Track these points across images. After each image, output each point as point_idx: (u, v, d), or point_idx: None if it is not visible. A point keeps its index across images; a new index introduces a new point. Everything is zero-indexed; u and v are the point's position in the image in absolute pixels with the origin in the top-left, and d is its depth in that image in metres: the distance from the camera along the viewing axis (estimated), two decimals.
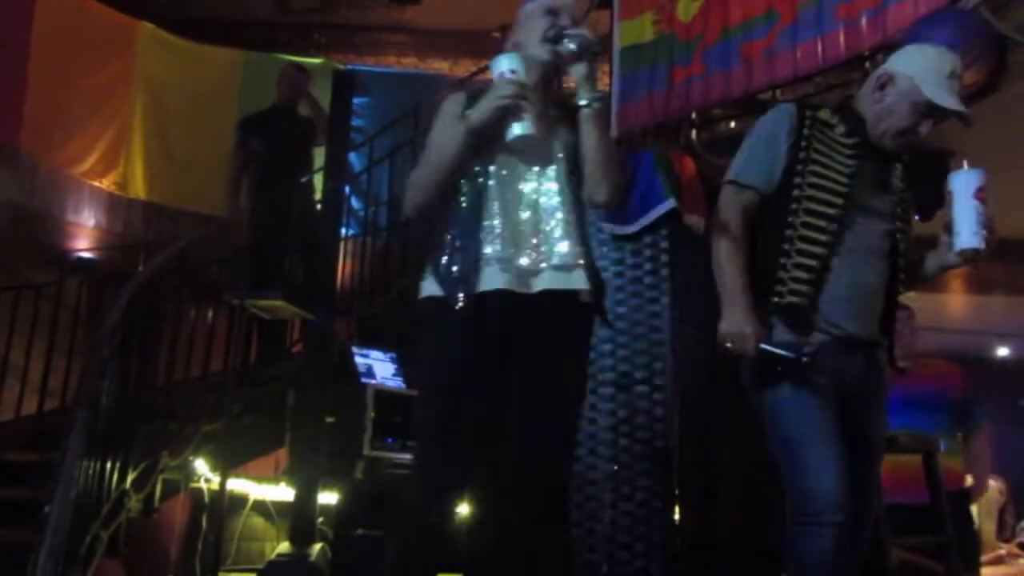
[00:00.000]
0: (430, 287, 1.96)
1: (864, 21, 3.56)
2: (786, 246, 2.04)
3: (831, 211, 2.05)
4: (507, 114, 1.85)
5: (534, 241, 1.92)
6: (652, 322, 3.58)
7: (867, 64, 3.46)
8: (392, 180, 5.49)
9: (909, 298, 4.81)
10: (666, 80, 4.24)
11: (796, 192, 2.06)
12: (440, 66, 7.30)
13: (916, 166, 2.37)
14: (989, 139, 3.41)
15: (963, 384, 3.49)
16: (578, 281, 1.94)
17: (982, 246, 2.01)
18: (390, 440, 3.72)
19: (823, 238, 2.04)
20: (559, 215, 1.95)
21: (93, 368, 3.41)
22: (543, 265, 1.92)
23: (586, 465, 3.56)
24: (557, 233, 1.94)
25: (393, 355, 4.18)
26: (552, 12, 2.01)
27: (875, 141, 2.14)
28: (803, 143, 2.07)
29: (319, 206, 4.87)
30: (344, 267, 5.11)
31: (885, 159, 2.18)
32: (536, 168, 1.97)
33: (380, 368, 4.11)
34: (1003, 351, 6.79)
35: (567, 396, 1.94)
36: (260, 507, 4.66)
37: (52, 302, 4.70)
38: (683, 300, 3.51)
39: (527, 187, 1.96)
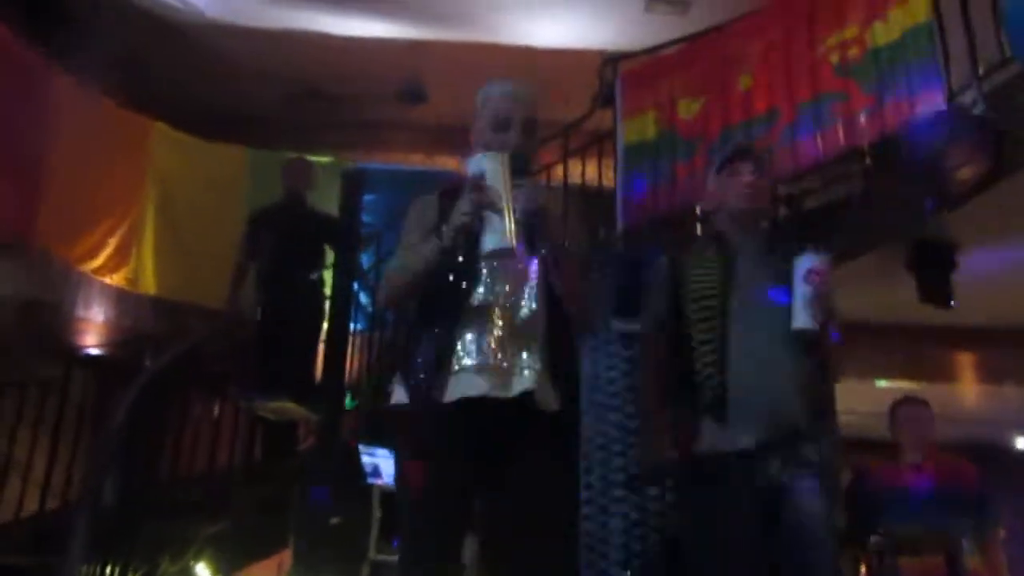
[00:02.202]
0: (400, 394, 1.92)
1: (863, 118, 3.64)
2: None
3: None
4: (479, 225, 1.78)
5: (513, 346, 1.87)
6: None
7: (867, 159, 3.52)
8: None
9: (920, 389, 4.79)
10: (670, 176, 4.32)
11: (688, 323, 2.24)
12: (448, 163, 7.45)
13: (923, 258, 2.42)
14: (991, 231, 3.46)
15: (979, 480, 3.41)
16: (549, 391, 1.88)
17: (811, 326, 2.10)
18: (397, 543, 3.63)
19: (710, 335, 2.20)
20: (538, 320, 1.91)
21: (96, 467, 3.37)
22: (525, 372, 1.86)
23: (598, 571, 3.46)
24: (535, 338, 1.89)
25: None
26: (499, 126, 1.98)
27: (741, 236, 2.28)
28: (678, 287, 2.27)
29: (328, 302, 4.89)
30: (352, 362, 5.11)
31: (760, 242, 2.32)
32: (515, 272, 1.92)
33: (387, 467, 4.04)
34: (1021, 442, 6.68)
35: (555, 507, 1.89)
36: None
37: (58, 397, 4.68)
38: None
39: (506, 290, 1.91)
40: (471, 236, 1.81)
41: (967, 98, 3.17)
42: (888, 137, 3.42)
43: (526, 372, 1.86)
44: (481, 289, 1.89)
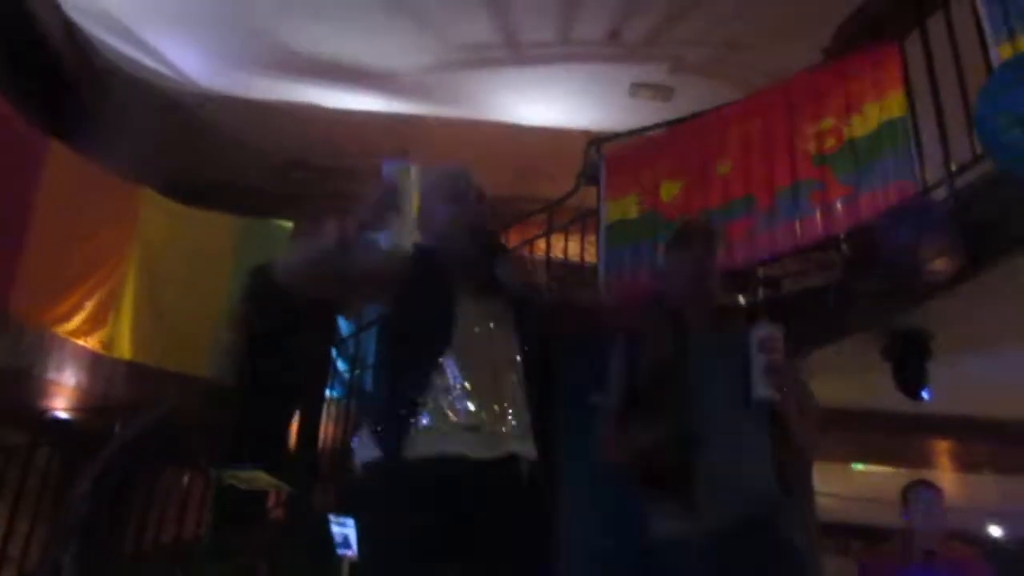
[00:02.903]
0: (367, 451, 1.83)
1: (839, 206, 3.73)
2: None
3: None
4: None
5: (494, 405, 1.83)
6: None
7: (843, 246, 3.59)
8: (379, 344, 5.51)
9: (895, 474, 4.77)
10: (651, 255, 4.37)
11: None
12: None
13: (898, 347, 2.43)
14: (973, 323, 3.51)
15: (987, 570, 3.30)
16: (529, 450, 1.85)
17: (767, 396, 2.09)
18: None
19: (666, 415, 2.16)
20: (514, 377, 1.88)
21: (58, 538, 3.28)
22: (503, 430, 1.82)
23: None
24: (515, 396, 1.86)
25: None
26: (453, 199, 1.99)
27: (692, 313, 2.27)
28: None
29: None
30: (326, 430, 5.04)
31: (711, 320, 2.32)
32: (491, 325, 1.91)
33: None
34: (996, 531, 6.66)
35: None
36: None
37: (21, 465, 4.56)
38: None
39: (484, 345, 1.89)
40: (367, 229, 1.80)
41: (940, 193, 3.26)
42: (863, 227, 3.50)
43: (504, 430, 1.82)
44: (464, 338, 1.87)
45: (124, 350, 6.01)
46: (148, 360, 6.03)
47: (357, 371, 5.56)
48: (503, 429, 1.82)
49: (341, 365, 5.79)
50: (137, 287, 6.14)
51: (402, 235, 1.81)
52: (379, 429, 1.83)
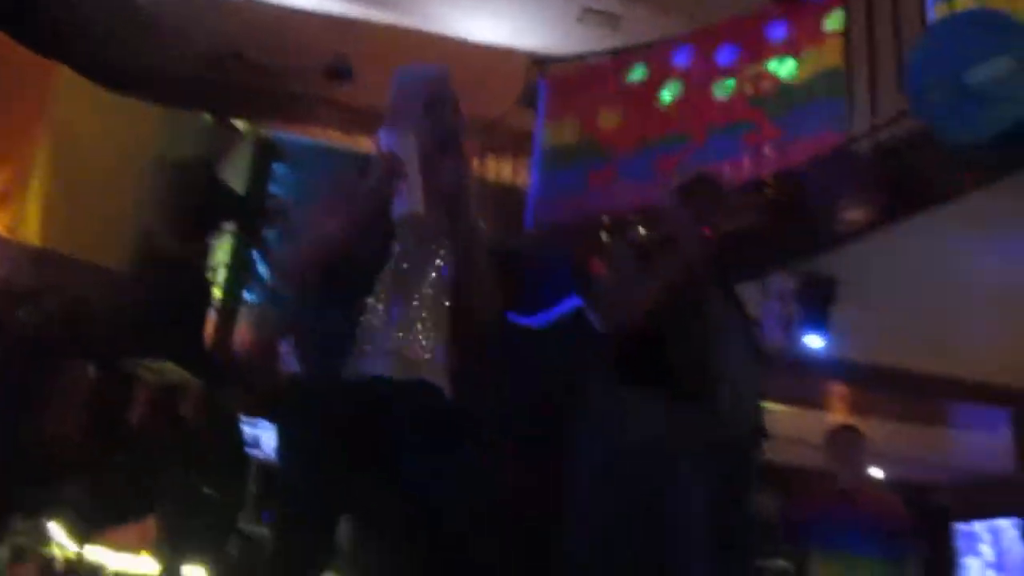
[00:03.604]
0: (293, 363, 1.90)
1: (768, 149, 3.81)
2: None
3: None
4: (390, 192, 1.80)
5: (419, 329, 1.86)
6: None
7: (767, 190, 3.68)
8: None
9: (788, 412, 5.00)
10: (583, 183, 4.41)
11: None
12: (367, 144, 7.35)
13: (807, 291, 2.57)
14: (879, 274, 3.67)
15: (902, 512, 3.53)
16: (442, 382, 1.89)
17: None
18: (270, 517, 3.57)
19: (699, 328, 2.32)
20: (442, 307, 1.90)
21: None
22: (426, 356, 1.85)
23: None
24: (437, 325, 1.89)
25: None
26: (430, 106, 1.96)
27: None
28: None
29: (225, 269, 4.76)
30: (242, 333, 4.99)
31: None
32: (425, 254, 1.92)
33: (268, 440, 3.99)
34: (878, 473, 7.09)
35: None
36: None
37: None
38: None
39: (417, 274, 1.90)
40: (383, 204, 1.80)
41: (864, 146, 3.36)
42: (789, 171, 3.58)
43: (427, 357, 1.85)
44: (390, 268, 1.87)
45: (32, 234, 5.77)
46: (58, 246, 5.80)
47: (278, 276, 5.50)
48: (425, 356, 1.85)
49: (262, 269, 5.71)
50: (48, 170, 5.86)
51: (412, 200, 1.79)
52: (309, 344, 1.87)
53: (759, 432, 2.35)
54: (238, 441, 3.86)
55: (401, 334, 1.84)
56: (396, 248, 1.87)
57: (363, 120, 7.32)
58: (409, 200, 1.79)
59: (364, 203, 1.82)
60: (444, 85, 2.02)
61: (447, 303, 1.92)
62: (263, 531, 3.53)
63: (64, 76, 5.94)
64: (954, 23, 2.88)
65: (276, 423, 1.99)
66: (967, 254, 3.64)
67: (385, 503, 1.85)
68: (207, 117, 5.39)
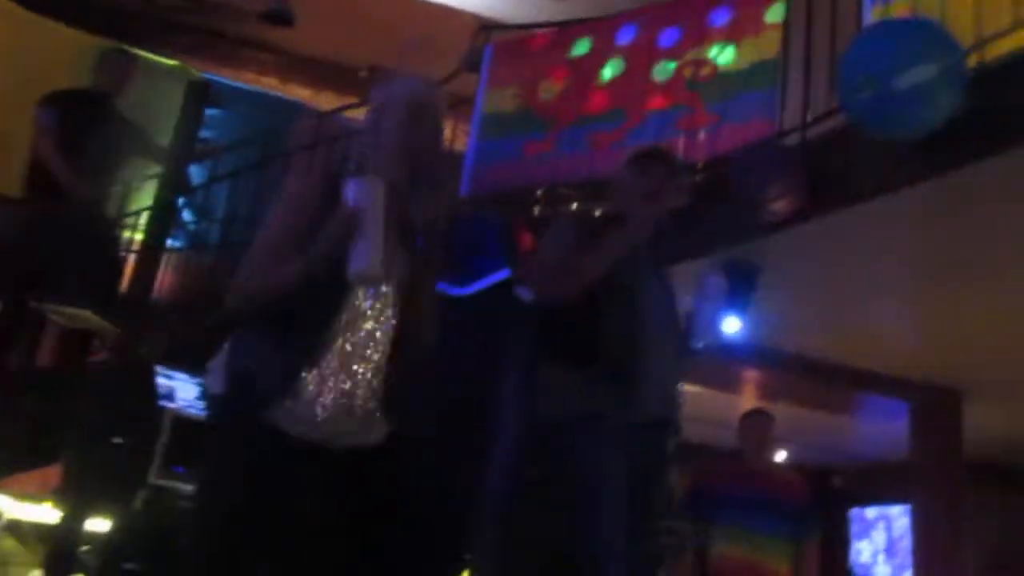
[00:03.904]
0: (217, 382, 1.80)
1: (702, 134, 3.87)
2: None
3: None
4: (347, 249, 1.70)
5: (360, 373, 1.79)
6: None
7: (697, 176, 3.75)
8: (231, 199, 5.34)
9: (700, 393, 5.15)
10: (519, 152, 4.41)
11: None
12: (301, 93, 7.19)
13: (729, 277, 2.62)
14: (791, 265, 3.79)
15: (804, 494, 3.67)
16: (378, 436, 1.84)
17: (713, 342, 2.43)
18: (181, 470, 3.53)
19: (630, 309, 2.31)
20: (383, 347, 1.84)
21: None
22: (371, 405, 1.80)
23: None
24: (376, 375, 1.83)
25: (201, 381, 3.99)
26: (415, 115, 1.87)
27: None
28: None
29: (149, 211, 4.62)
30: (163, 280, 4.88)
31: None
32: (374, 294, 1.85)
33: (184, 392, 3.92)
34: (781, 455, 7.38)
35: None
36: (16, 527, 4.24)
37: None
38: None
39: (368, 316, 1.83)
40: (338, 261, 1.70)
41: (794, 139, 3.45)
42: (720, 158, 3.65)
43: (377, 415, 1.80)
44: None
45: None
46: None
47: (204, 223, 5.38)
48: (360, 414, 1.79)
49: (187, 215, 5.57)
50: None
51: (370, 260, 1.69)
52: (238, 367, 1.79)
53: (676, 412, 2.38)
54: (152, 391, 3.78)
55: (336, 396, 1.76)
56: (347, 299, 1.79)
57: (299, 68, 7.17)
58: (368, 260, 1.69)
59: (318, 255, 1.72)
60: (430, 102, 1.93)
61: (389, 350, 1.85)
62: (173, 484, 3.49)
63: None
64: (887, 27, 2.97)
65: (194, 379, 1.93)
66: (876, 252, 3.79)
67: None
68: (136, 51, 5.16)
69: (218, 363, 1.83)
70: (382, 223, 1.71)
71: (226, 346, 1.84)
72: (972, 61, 2.76)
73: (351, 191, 1.72)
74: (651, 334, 2.31)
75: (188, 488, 3.47)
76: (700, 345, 2.41)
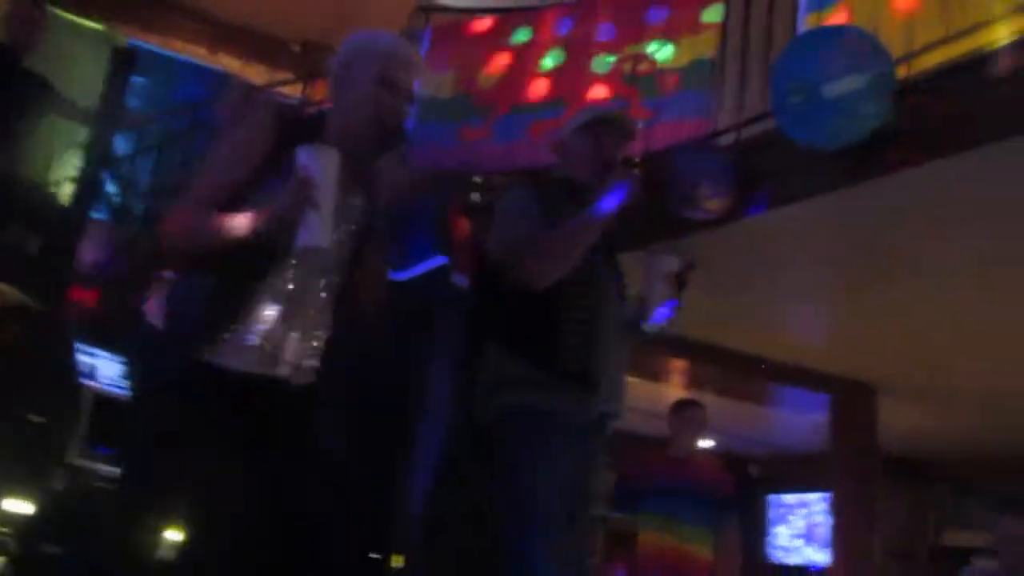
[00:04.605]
0: (155, 316, 1.85)
1: (638, 129, 3.93)
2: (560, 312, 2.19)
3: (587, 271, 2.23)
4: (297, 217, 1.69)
5: (300, 336, 1.80)
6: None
7: (635, 169, 3.80)
8: (156, 170, 5.19)
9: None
10: (456, 138, 4.40)
11: None
12: (231, 64, 7.00)
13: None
14: (720, 261, 3.89)
15: (727, 483, 3.81)
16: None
17: (662, 325, 2.35)
18: (103, 450, 3.44)
19: (586, 301, 2.22)
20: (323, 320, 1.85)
21: None
22: (305, 364, 1.82)
23: None
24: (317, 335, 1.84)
25: (124, 359, 3.89)
26: (385, 82, 1.82)
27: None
28: (548, 206, 2.25)
29: (72, 183, 4.45)
30: (89, 252, 4.71)
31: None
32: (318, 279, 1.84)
33: (106, 369, 3.82)
34: (706, 444, 7.59)
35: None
36: None
37: None
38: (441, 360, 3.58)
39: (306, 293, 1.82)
40: (287, 226, 1.69)
41: (727, 139, 3.53)
42: (654, 154, 3.72)
43: (303, 363, 1.81)
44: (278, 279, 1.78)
45: None
46: None
47: (128, 194, 5.22)
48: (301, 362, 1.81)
49: (110, 187, 5.39)
50: None
51: (318, 234, 1.68)
52: (180, 314, 1.79)
53: (621, 404, 2.33)
54: (71, 368, 3.67)
55: (279, 339, 1.78)
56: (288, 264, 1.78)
57: (229, 37, 6.98)
58: (315, 233, 1.69)
59: (264, 224, 1.70)
60: (405, 60, 1.86)
61: (330, 311, 1.85)
62: (92, 464, 3.41)
63: None
64: (820, 35, 3.06)
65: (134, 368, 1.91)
66: (800, 252, 3.93)
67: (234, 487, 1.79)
68: (58, 12, 4.92)
69: (156, 299, 1.83)
70: (334, 197, 1.70)
71: (164, 282, 1.84)
72: (900, 73, 2.86)
73: (305, 159, 1.69)
74: (605, 321, 2.23)
75: (110, 469, 3.40)
76: (651, 329, 2.34)
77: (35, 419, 3.41)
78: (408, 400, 3.58)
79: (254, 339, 1.76)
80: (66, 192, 4.46)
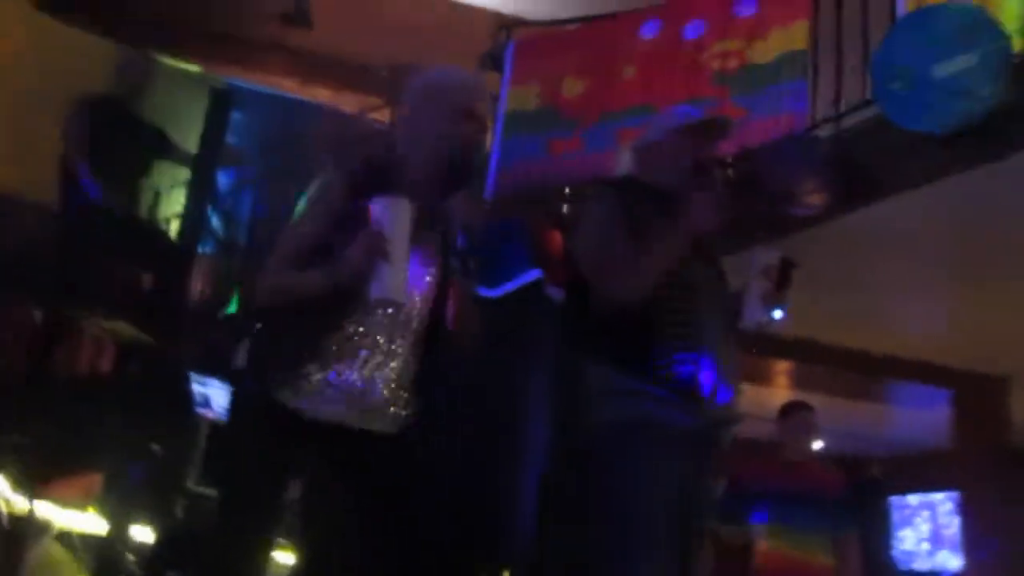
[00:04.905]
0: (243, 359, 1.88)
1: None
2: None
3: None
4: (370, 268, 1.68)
5: (386, 378, 1.79)
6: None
7: (728, 170, 3.69)
8: (257, 204, 5.37)
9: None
10: (545, 151, 4.39)
11: None
12: (323, 95, 7.21)
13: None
14: (825, 258, 3.74)
15: (843, 485, 3.63)
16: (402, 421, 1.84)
17: (764, 320, 2.22)
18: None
19: (687, 304, 2.12)
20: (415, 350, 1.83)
21: None
22: (392, 409, 1.81)
23: None
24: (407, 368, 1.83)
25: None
26: (461, 116, 1.81)
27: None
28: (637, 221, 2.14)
29: (178, 220, 4.65)
30: (197, 286, 4.91)
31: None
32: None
33: (219, 399, 3.94)
34: (818, 446, 7.31)
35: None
36: (64, 537, 4.30)
37: None
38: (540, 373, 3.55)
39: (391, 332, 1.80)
40: (359, 279, 1.69)
41: (826, 131, 3.39)
42: (750, 152, 3.60)
43: (393, 410, 1.80)
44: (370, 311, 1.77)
45: None
46: (4, 187, 5.61)
47: (232, 228, 5.41)
48: (392, 406, 1.80)
49: (215, 222, 5.60)
50: None
51: (393, 286, 1.68)
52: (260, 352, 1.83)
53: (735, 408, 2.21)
54: (186, 398, 3.81)
55: (364, 384, 1.77)
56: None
57: (320, 69, 7.19)
58: (389, 285, 1.68)
59: (338, 279, 1.71)
60: (478, 96, 1.87)
61: (419, 352, 1.84)
62: (211, 491, 3.51)
63: (12, 3, 5.68)
64: (925, 15, 2.90)
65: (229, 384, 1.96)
66: (911, 243, 3.73)
67: (334, 478, 1.83)
68: (123, 48, 5.13)
69: (244, 345, 1.86)
70: (407, 247, 1.70)
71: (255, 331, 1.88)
72: (1017, 46, 2.66)
73: (378, 211, 1.69)
74: (708, 326, 2.12)
75: None
76: (752, 324, 2.21)
77: (155, 449, 3.56)
78: (509, 419, 3.57)
79: (339, 384, 1.76)
80: (174, 229, 4.65)
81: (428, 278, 1.84)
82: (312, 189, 1.85)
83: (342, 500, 1.79)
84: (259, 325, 1.89)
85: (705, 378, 2.10)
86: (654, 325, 2.10)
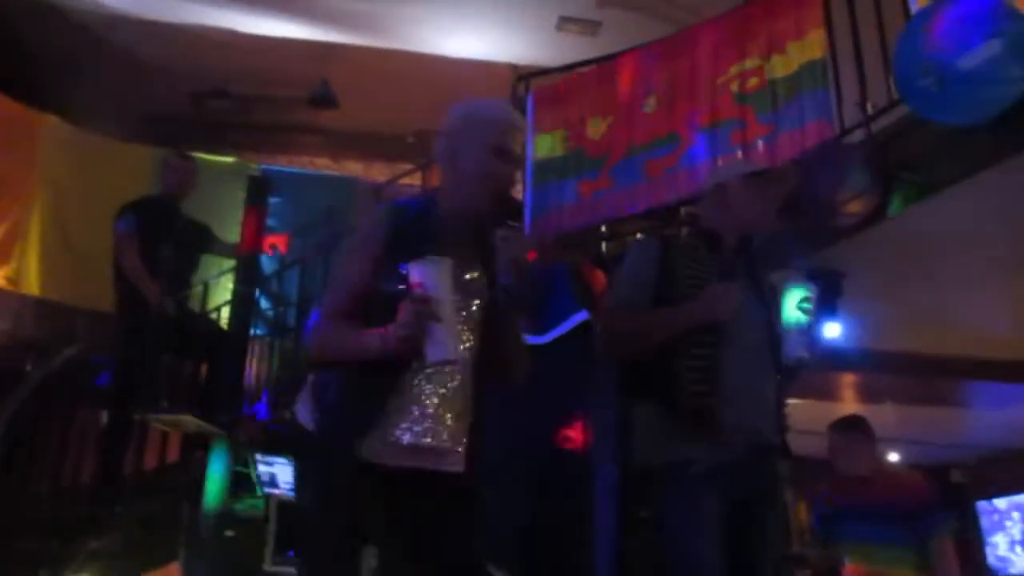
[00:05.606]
0: (304, 415, 1.88)
1: (760, 145, 3.80)
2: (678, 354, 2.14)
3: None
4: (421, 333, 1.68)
5: (448, 421, 1.78)
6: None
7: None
8: (303, 281, 5.45)
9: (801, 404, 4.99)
10: (576, 193, 4.40)
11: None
12: (354, 168, 7.38)
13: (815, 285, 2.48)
14: (876, 265, 3.66)
15: (927, 492, 3.43)
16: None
17: (807, 355, 2.21)
18: (292, 554, 3.56)
19: (708, 338, 2.14)
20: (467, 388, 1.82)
21: None
22: (457, 449, 1.78)
23: None
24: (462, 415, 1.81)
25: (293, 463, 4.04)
26: (498, 150, 1.81)
27: (735, 245, 2.30)
28: (669, 267, 2.23)
29: (229, 307, 4.75)
30: (251, 368, 4.98)
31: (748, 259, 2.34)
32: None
33: (284, 475, 3.97)
34: (894, 456, 7.07)
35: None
36: None
37: None
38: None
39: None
40: (414, 343, 1.70)
41: (856, 136, 3.34)
42: (783, 167, 3.56)
43: (460, 449, 1.79)
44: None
45: (32, 285, 5.77)
46: (59, 296, 5.80)
47: (281, 309, 5.50)
48: (445, 446, 1.78)
49: (264, 303, 5.70)
50: (44, 219, 5.86)
51: (447, 347, 1.70)
52: (324, 407, 1.85)
53: (781, 435, 2.21)
54: (254, 480, 3.84)
55: (420, 428, 1.76)
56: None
57: (350, 144, 7.38)
58: (444, 347, 1.69)
59: (392, 346, 1.70)
60: (511, 127, 1.85)
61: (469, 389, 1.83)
62: (286, 570, 3.52)
63: (52, 125, 5.96)
64: (941, 7, 2.86)
65: (298, 468, 1.96)
66: (963, 239, 3.62)
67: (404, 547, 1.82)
68: (163, 151, 5.33)
69: (304, 399, 1.86)
70: (453, 304, 1.71)
71: (310, 381, 1.87)
72: None
73: (417, 275, 1.69)
74: (743, 356, 2.14)
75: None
76: (796, 359, 2.22)
77: (228, 532, 3.58)
78: (571, 461, 3.53)
79: (408, 436, 1.75)
80: (225, 316, 4.74)
81: (475, 310, 1.83)
82: (354, 233, 1.89)
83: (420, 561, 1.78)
84: (312, 376, 1.90)
85: (729, 413, 2.09)
86: (670, 362, 2.13)
